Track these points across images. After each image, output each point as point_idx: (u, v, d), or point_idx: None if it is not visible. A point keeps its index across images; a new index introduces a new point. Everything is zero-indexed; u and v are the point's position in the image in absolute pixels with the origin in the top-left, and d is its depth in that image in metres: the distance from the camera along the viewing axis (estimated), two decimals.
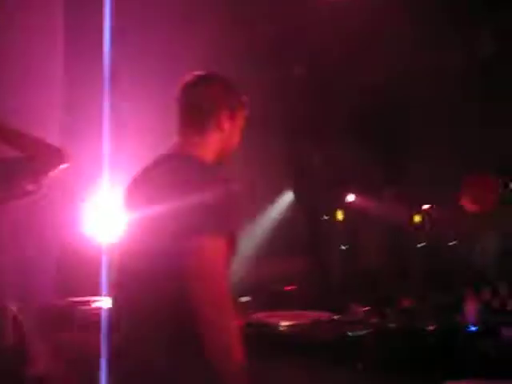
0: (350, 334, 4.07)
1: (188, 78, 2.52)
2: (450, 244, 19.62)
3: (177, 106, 2.52)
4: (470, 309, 4.62)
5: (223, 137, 2.44)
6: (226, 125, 2.44)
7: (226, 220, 2.11)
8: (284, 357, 3.92)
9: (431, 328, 4.00)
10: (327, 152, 13.01)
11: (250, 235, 14.76)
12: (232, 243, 2.18)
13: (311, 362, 3.78)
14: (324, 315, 4.78)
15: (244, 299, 5.52)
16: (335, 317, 4.73)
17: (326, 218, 15.54)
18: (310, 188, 14.31)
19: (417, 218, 18.20)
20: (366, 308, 4.81)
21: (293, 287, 12.83)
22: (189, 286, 2.02)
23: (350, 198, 15.75)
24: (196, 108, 2.43)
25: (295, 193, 14.68)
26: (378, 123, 12.11)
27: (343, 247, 16.69)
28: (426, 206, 17.56)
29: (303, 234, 15.36)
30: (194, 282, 2.01)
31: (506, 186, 8.38)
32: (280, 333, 4.37)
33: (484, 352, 3.78)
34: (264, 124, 10.02)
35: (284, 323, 4.45)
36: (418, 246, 17.26)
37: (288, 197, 15.44)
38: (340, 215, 15.88)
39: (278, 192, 15.32)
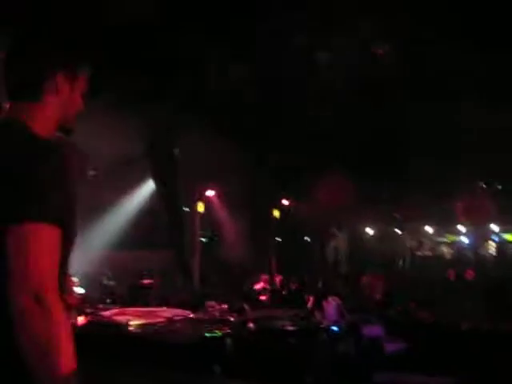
0: (207, 335, 3.74)
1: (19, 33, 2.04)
2: (306, 239, 20.08)
3: (4, 68, 2.01)
4: (330, 308, 4.50)
5: (61, 102, 1.98)
6: (65, 88, 1.98)
7: (52, 205, 1.66)
8: (131, 363, 3.45)
9: (291, 328, 3.80)
10: (190, 145, 12.75)
11: (105, 225, 13.95)
12: (66, 231, 1.74)
13: (161, 370, 3.37)
14: (180, 313, 4.41)
15: (80, 292, 4.95)
16: (192, 315, 4.39)
17: (186, 209, 15.20)
18: (171, 178, 13.86)
19: (276, 213, 18.44)
20: (224, 305, 4.52)
21: (150, 281, 12.34)
22: (8, 279, 1.58)
23: (210, 191, 15.58)
24: (27, 70, 1.95)
25: (156, 182, 14.08)
26: (235, 120, 12.10)
27: (203, 239, 16.50)
28: (285, 202, 17.77)
29: (163, 226, 14.90)
30: (13, 274, 1.58)
31: None
32: (128, 333, 3.87)
33: (344, 352, 3.65)
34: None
35: (134, 322, 3.98)
36: (277, 240, 17.47)
37: (148, 186, 14.79)
38: (201, 207, 15.62)
39: (138, 180, 14.67)
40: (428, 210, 20.18)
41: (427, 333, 4.57)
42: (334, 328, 4.01)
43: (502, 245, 24.18)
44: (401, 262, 24.58)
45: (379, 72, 9.95)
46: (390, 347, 3.89)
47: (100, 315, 4.23)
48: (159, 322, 4.11)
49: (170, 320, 4.19)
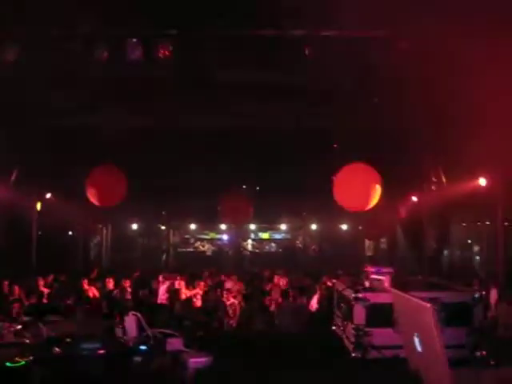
0: (8, 365, 3.32)
1: None
2: (70, 233, 19.01)
3: None
4: (130, 323, 4.42)
5: None
6: None
7: None
8: None
9: (102, 352, 3.58)
10: None
11: None
12: None
13: None
14: None
15: None
16: None
17: None
18: None
19: (38, 206, 17.15)
20: (18, 327, 4.07)
21: None
22: None
23: None
24: None
25: None
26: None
27: None
28: (48, 195, 16.59)
29: None
30: None
31: None
32: None
33: (155, 372, 3.60)
34: None
35: None
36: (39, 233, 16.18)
37: None
38: None
39: None
40: (193, 208, 20.98)
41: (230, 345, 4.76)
42: (143, 347, 3.93)
43: (258, 243, 26.31)
44: (164, 257, 25.10)
45: None
46: (193, 361, 3.95)
47: None
48: None
49: None
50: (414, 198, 15.97)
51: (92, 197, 13.38)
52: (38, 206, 16.57)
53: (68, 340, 3.72)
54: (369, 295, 4.96)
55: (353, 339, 4.89)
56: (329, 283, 11.45)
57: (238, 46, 8.85)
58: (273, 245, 26.66)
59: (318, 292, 10.96)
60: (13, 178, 14.32)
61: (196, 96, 10.67)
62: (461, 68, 8.26)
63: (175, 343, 4.20)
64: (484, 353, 5.03)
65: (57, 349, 3.63)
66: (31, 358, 3.45)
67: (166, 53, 8.97)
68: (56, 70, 9.37)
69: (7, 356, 3.43)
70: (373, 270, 5.27)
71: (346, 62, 8.87)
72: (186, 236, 26.54)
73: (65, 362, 3.51)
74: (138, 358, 3.63)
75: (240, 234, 25.13)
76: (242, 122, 12.36)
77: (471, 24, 7.14)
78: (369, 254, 22.41)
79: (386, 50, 8.61)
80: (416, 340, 3.24)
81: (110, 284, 12.66)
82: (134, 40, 8.97)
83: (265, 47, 8.75)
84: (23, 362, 3.37)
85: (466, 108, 9.43)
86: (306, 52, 8.74)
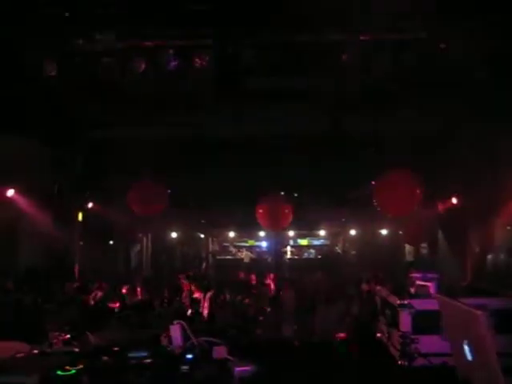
0: (59, 373, 3.39)
1: None
2: (110, 243, 19.34)
3: None
4: (176, 331, 4.44)
5: None
6: None
7: None
8: None
9: (149, 361, 3.63)
10: None
11: None
12: None
13: None
14: (19, 347, 3.96)
15: None
16: (35, 350, 3.96)
17: None
18: None
19: (80, 216, 17.37)
20: (67, 336, 4.16)
21: None
22: None
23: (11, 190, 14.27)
24: None
25: None
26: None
27: None
28: (90, 205, 16.88)
29: None
30: None
31: None
32: None
33: (200, 381, 3.60)
34: None
35: None
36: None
37: None
38: None
39: None
40: (231, 215, 21.06)
41: (274, 353, 4.74)
42: (189, 356, 3.95)
43: (297, 249, 26.21)
44: (203, 265, 25.22)
45: None
46: (238, 369, 3.96)
47: None
48: None
49: (11, 357, 3.70)
50: (455, 201, 15.64)
51: (134, 207, 13.64)
52: (80, 216, 16.91)
53: (115, 349, 3.77)
54: (414, 302, 4.88)
55: (399, 346, 4.82)
56: (368, 289, 11.34)
57: (273, 53, 8.86)
58: (312, 251, 26.50)
59: (359, 298, 10.86)
60: (55, 190, 14.71)
61: (232, 104, 10.75)
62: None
63: (220, 351, 4.21)
64: None
65: (105, 358, 3.68)
66: (81, 366, 3.50)
67: (204, 63, 9.06)
68: (93, 82, 9.57)
69: (58, 364, 3.49)
70: (418, 275, 5.19)
71: (384, 65, 8.78)
72: (225, 244, 26.63)
73: (113, 371, 3.55)
74: (184, 367, 3.65)
75: (279, 241, 25.07)
76: (280, 128, 12.40)
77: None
78: (409, 259, 22.05)
79: (425, 52, 8.50)
80: (466, 348, 3.17)
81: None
82: (171, 51, 9.10)
83: (300, 53, 8.75)
84: (73, 371, 3.41)
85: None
86: (343, 57, 8.70)
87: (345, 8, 7.62)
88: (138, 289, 13.33)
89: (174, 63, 9.11)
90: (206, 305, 12.35)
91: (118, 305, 11.69)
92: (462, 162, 13.41)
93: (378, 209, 11.78)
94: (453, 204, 15.89)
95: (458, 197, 15.50)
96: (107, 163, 15.28)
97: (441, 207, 16.70)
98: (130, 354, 3.72)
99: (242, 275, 16.21)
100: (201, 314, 11.64)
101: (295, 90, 10.15)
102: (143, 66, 9.10)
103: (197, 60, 9.10)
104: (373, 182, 11.80)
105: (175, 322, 4.48)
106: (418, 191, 11.08)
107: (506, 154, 11.24)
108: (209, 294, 12.64)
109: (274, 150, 14.04)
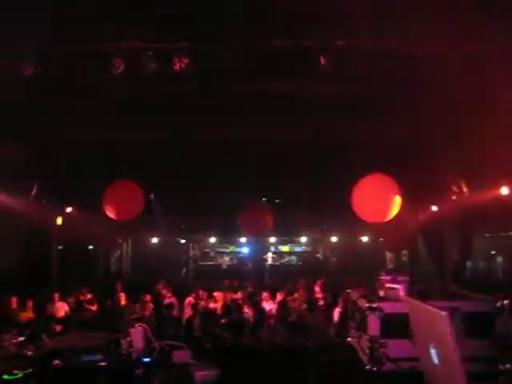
0: (5, 377, 3.23)
1: None
2: (90, 247, 19.17)
3: None
4: (137, 335, 4.32)
5: None
6: None
7: None
8: None
9: (103, 364, 3.50)
10: None
11: None
12: None
13: None
14: None
15: None
16: None
17: None
18: None
19: (59, 221, 17.24)
20: (20, 338, 3.99)
21: None
22: None
23: None
24: None
25: None
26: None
27: None
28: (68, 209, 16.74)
29: None
30: None
31: None
32: None
33: (160, 383, 3.47)
34: None
35: None
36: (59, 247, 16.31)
37: None
38: None
39: None
40: (212, 221, 20.91)
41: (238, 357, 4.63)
42: (146, 359, 3.80)
43: (278, 255, 26.07)
44: (184, 271, 24.99)
45: None
46: (200, 374, 3.83)
47: None
48: None
49: None
50: (435, 208, 15.62)
51: (109, 211, 13.40)
52: (59, 220, 16.63)
53: (69, 352, 3.63)
54: (383, 305, 4.77)
55: (367, 351, 4.71)
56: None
57: (251, 57, 8.81)
58: (293, 257, 26.40)
59: (340, 305, 10.77)
60: (33, 192, 14.42)
61: (210, 108, 10.63)
62: (483, 78, 8.10)
63: (182, 355, 4.09)
64: (508, 366, 4.80)
65: (57, 361, 3.54)
66: (30, 370, 3.36)
67: (182, 65, 8.98)
68: (76, 84, 9.45)
69: (6, 368, 3.35)
70: (388, 278, 5.09)
71: (363, 72, 8.76)
72: (206, 250, 26.42)
73: (64, 374, 3.42)
74: (139, 371, 3.52)
75: (260, 247, 24.95)
76: (261, 134, 12.29)
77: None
78: (390, 266, 22.06)
79: (403, 61, 8.50)
80: (432, 352, 3.07)
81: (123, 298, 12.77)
82: (150, 53, 9.01)
83: (279, 58, 8.70)
84: (20, 375, 3.28)
85: (488, 116, 9.23)
86: (322, 62, 8.66)
87: (321, 14, 7.58)
88: (121, 294, 13.14)
89: (152, 65, 9.03)
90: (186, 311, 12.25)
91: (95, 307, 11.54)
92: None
93: (355, 214, 11.69)
94: (433, 212, 15.89)
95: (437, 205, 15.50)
96: (86, 166, 15.03)
97: (421, 216, 16.71)
98: (84, 358, 3.57)
99: (226, 282, 16.05)
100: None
101: (273, 96, 10.08)
102: (122, 68, 9.01)
103: (176, 62, 9.02)
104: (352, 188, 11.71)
105: (137, 325, 4.35)
106: (394, 196, 10.97)
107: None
108: (188, 300, 12.54)
109: (256, 155, 13.93)
